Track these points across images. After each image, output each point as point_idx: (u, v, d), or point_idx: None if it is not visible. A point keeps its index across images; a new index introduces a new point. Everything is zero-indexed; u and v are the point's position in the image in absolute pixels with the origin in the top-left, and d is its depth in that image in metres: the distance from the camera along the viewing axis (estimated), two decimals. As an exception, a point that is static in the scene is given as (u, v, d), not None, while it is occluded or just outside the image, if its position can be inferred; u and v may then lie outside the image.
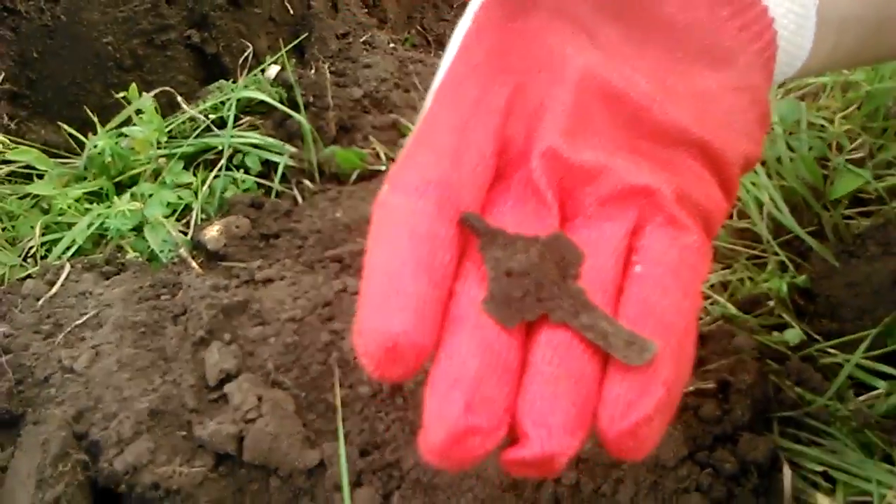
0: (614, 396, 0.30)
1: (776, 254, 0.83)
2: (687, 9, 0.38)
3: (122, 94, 1.01)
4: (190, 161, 1.02)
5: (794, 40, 0.41)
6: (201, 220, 0.95)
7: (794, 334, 0.74)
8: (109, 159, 0.97)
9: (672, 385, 0.30)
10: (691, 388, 0.69)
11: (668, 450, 0.65)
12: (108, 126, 1.01)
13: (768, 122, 0.41)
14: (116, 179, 0.99)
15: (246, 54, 1.13)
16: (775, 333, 0.76)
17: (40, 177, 1.00)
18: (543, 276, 0.32)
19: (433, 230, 0.31)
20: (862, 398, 0.69)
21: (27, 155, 0.98)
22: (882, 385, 0.68)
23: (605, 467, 0.65)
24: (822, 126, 0.89)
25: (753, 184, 0.85)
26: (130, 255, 0.90)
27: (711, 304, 0.80)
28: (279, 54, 1.13)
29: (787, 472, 0.65)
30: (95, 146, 0.98)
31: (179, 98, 1.04)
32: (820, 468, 0.66)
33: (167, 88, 1.06)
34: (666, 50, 0.38)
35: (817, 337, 0.75)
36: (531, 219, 0.34)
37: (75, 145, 1.04)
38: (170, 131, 1.03)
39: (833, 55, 0.44)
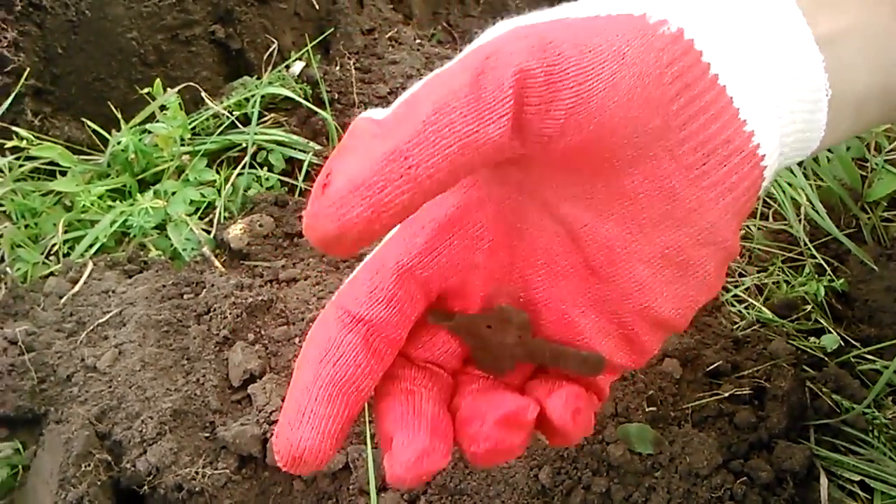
0: None
1: (813, 256, 0.82)
2: (652, 177, 0.36)
3: (146, 90, 1.01)
4: (213, 158, 1.02)
5: (800, 137, 0.39)
6: (224, 218, 0.94)
7: (831, 340, 0.73)
8: (133, 156, 0.97)
9: None
10: (726, 395, 0.68)
11: (701, 458, 0.64)
12: (132, 122, 1.01)
13: (732, 257, 0.40)
14: (139, 176, 0.99)
15: (271, 50, 1.13)
16: (812, 339, 0.75)
17: (63, 173, 0.99)
18: (506, 336, 0.39)
19: (356, 360, 0.35)
20: (901, 406, 0.68)
21: (51, 151, 0.97)
22: (922, 393, 0.67)
23: (637, 475, 0.64)
24: (861, 126, 0.88)
25: (790, 184, 0.84)
26: (153, 253, 0.90)
27: (747, 308, 0.79)
28: (304, 50, 1.13)
29: (823, 481, 0.64)
30: (119, 143, 0.97)
31: (204, 94, 1.04)
32: (857, 477, 0.65)
33: (191, 84, 1.05)
34: (626, 218, 0.37)
35: (855, 343, 0.73)
36: (437, 357, 0.39)
37: (99, 142, 1.04)
38: (193, 128, 1.03)
39: (853, 129, 0.43)
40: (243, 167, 0.99)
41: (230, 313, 0.75)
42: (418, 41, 1.17)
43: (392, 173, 0.30)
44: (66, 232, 0.92)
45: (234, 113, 1.03)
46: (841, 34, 0.38)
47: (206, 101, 1.04)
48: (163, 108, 1.00)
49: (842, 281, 0.78)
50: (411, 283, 0.37)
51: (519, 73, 0.30)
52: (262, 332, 0.74)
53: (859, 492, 0.64)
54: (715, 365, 0.71)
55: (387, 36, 1.17)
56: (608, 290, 0.38)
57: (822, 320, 0.76)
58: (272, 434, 0.65)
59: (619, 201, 0.37)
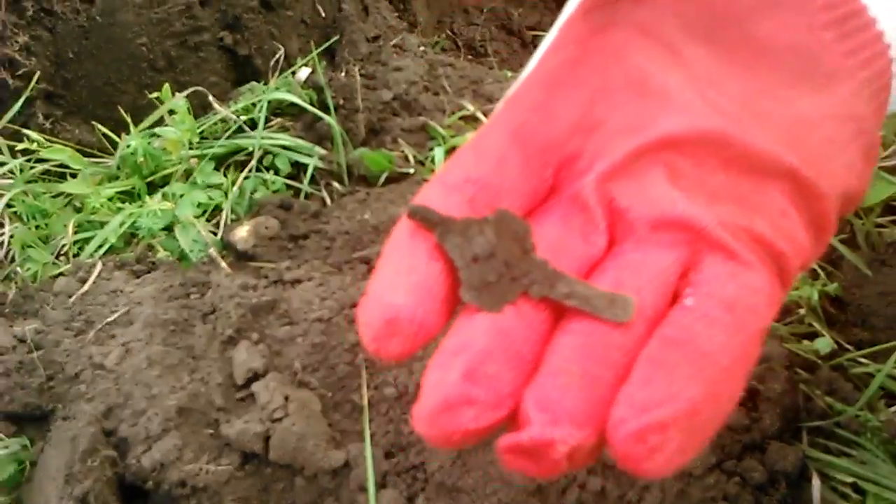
0: (629, 397, 0.28)
1: (807, 261, 0.82)
2: (785, 29, 0.34)
3: (155, 95, 1.02)
4: (221, 162, 1.03)
5: None
6: (231, 220, 0.95)
7: (824, 343, 0.74)
8: (142, 159, 0.98)
9: (698, 406, 0.28)
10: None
11: (694, 458, 0.64)
12: (141, 126, 1.02)
13: (875, 155, 0.37)
14: (148, 179, 1.00)
15: (277, 56, 1.14)
16: (805, 342, 0.75)
17: (73, 176, 1.01)
18: (508, 254, 0.31)
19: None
20: (893, 409, 0.68)
21: (61, 154, 0.99)
22: (914, 396, 0.67)
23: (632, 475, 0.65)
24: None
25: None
26: (161, 254, 0.91)
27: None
28: (310, 56, 1.14)
29: (816, 482, 0.64)
30: (128, 146, 0.99)
31: (212, 98, 1.05)
32: (850, 479, 0.65)
33: (199, 89, 1.07)
34: (759, 72, 0.35)
35: (848, 346, 0.74)
36: (577, 235, 0.33)
37: (108, 145, 1.05)
38: (201, 132, 1.04)
39: None
40: (250, 171, 1.00)
41: (235, 313, 0.76)
42: (422, 48, 1.19)
43: None
44: (75, 233, 0.93)
45: (241, 117, 1.04)
46: None
47: (214, 105, 1.05)
48: (172, 112, 1.01)
49: (835, 285, 0.79)
50: (526, 143, 0.33)
51: None
52: (266, 332, 0.75)
53: (852, 493, 0.65)
54: (710, 367, 0.71)
55: (391, 43, 1.18)
56: (742, 149, 0.34)
57: (815, 324, 0.77)
58: (274, 432, 0.66)
59: (750, 50, 0.34)
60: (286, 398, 0.69)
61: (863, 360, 0.72)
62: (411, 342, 0.29)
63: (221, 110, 1.04)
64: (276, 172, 1.01)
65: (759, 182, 0.34)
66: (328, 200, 0.98)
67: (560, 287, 0.31)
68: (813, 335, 0.76)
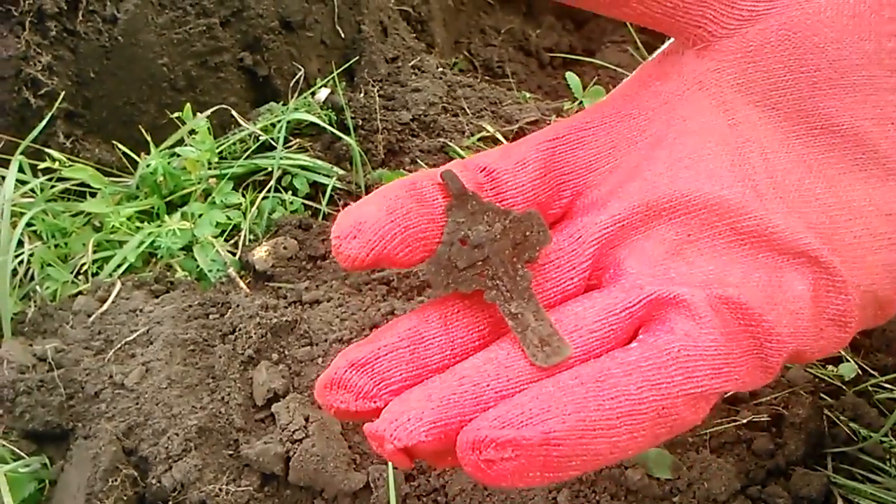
0: (492, 412, 0.29)
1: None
2: (850, 113, 0.33)
3: (176, 115, 1.03)
4: (239, 182, 1.04)
5: None
6: (250, 240, 0.95)
7: (849, 368, 0.73)
8: (161, 179, 0.99)
9: (553, 440, 0.28)
10: (744, 421, 0.69)
11: (719, 483, 0.64)
12: (162, 146, 1.03)
13: None
14: (168, 199, 1.00)
15: (297, 77, 1.15)
16: (830, 367, 0.75)
17: (93, 195, 1.01)
18: (496, 252, 0.31)
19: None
20: (919, 435, 0.68)
21: (82, 173, 0.99)
22: (939, 422, 0.67)
23: (656, 500, 0.65)
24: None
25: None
26: (180, 273, 0.92)
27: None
28: (329, 77, 1.15)
29: (840, 509, 0.64)
30: (148, 165, 0.99)
31: (236, 114, 1.06)
32: (874, 506, 0.64)
33: (223, 106, 1.07)
34: (814, 148, 0.34)
35: (873, 371, 0.74)
36: (556, 270, 0.33)
37: (128, 164, 1.06)
38: (220, 152, 1.05)
39: None
40: (269, 191, 1.01)
41: (255, 333, 0.76)
42: (440, 69, 1.19)
43: None
44: (95, 252, 0.94)
45: (260, 138, 1.05)
46: None
47: (233, 126, 1.06)
48: (192, 132, 1.02)
49: (860, 310, 0.78)
50: (550, 156, 0.34)
51: None
52: (286, 353, 0.75)
53: (876, 520, 0.65)
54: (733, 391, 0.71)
55: (410, 64, 1.19)
56: (756, 226, 0.33)
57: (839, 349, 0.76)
58: (294, 453, 0.66)
59: (808, 124, 0.33)
60: (306, 419, 0.68)
61: (887, 385, 0.72)
62: (369, 249, 0.30)
63: (247, 127, 1.05)
64: (295, 193, 1.02)
65: (777, 261, 0.33)
66: (347, 221, 0.98)
67: (513, 305, 0.31)
68: (837, 360, 0.76)
